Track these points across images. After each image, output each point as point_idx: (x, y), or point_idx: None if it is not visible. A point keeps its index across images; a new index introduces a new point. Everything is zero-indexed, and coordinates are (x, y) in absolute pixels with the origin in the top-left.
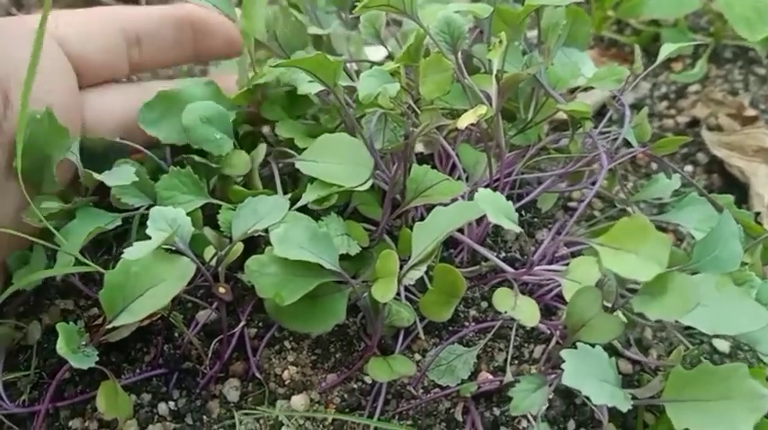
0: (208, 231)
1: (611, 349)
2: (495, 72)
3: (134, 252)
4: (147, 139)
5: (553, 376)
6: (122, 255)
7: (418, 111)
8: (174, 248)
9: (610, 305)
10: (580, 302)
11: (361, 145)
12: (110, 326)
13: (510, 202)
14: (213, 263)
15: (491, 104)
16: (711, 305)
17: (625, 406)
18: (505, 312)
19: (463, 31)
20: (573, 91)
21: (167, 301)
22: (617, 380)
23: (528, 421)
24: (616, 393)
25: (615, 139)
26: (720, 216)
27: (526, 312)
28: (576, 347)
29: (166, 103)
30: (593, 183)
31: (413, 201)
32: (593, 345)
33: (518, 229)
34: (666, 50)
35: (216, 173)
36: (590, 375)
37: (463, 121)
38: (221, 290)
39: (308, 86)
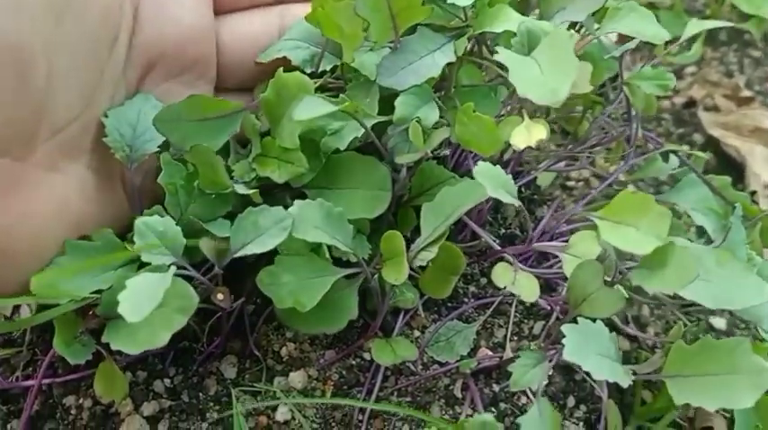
0: (204, 243)
1: (609, 326)
2: None
3: (134, 313)
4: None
5: (553, 352)
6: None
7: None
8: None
9: (609, 279)
10: (581, 276)
11: (377, 164)
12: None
13: (510, 177)
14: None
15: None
16: (713, 280)
17: (626, 381)
18: (504, 288)
19: None
20: None
21: (169, 337)
22: (618, 356)
23: (527, 397)
24: (617, 369)
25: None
26: (723, 209)
27: (526, 287)
28: (576, 322)
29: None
30: (592, 162)
31: (416, 200)
32: (593, 320)
33: (517, 203)
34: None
35: None
36: (590, 350)
37: (519, 143)
38: (220, 296)
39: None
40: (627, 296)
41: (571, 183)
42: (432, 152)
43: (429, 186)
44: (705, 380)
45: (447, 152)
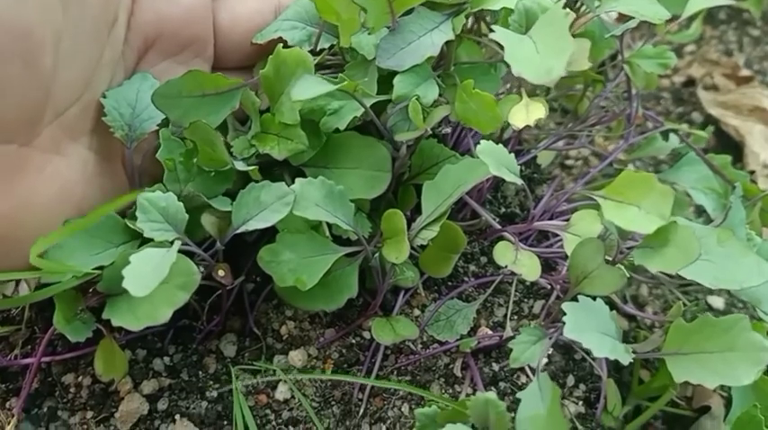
0: (206, 219)
1: (608, 305)
2: None
3: (139, 287)
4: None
5: (553, 330)
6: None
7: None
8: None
9: (611, 259)
10: (582, 254)
11: (376, 143)
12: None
13: (512, 155)
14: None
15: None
16: (714, 259)
17: (626, 359)
18: (506, 266)
19: None
20: None
21: (170, 314)
22: (618, 334)
23: (527, 376)
24: (617, 346)
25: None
26: (722, 187)
27: (527, 266)
28: (577, 301)
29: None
30: (591, 141)
31: (417, 178)
32: (594, 298)
33: (519, 182)
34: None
35: None
36: (591, 328)
37: (518, 122)
38: (221, 272)
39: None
40: (628, 275)
41: (570, 162)
42: (432, 130)
43: (429, 165)
44: (704, 358)
45: (447, 130)
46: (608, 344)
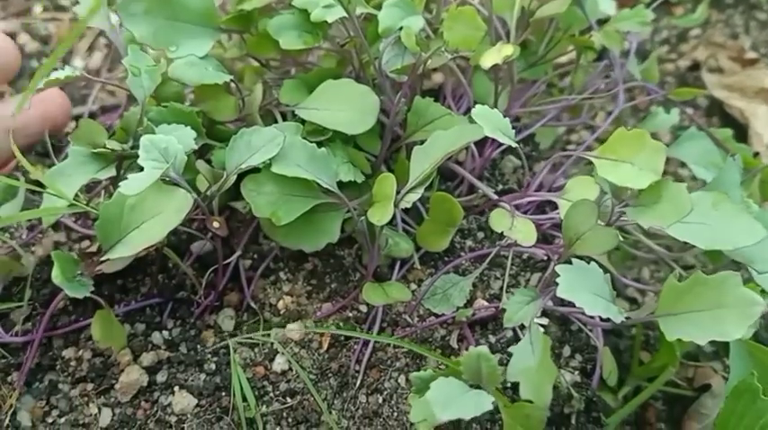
0: (200, 164)
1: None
2: (518, 4)
3: (130, 187)
4: None
5: (547, 293)
6: (118, 189)
7: (433, 37)
8: (168, 179)
9: (605, 222)
10: (575, 216)
11: (368, 91)
12: (105, 259)
13: (507, 119)
14: (208, 194)
15: (508, 35)
16: (708, 222)
17: (618, 318)
18: (502, 233)
19: None
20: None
21: (164, 234)
22: (611, 296)
23: (539, 330)
24: (610, 307)
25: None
26: (725, 162)
27: (523, 232)
28: (571, 263)
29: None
30: (593, 117)
31: (413, 135)
32: (588, 262)
33: (514, 144)
34: None
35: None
36: (584, 288)
37: (487, 61)
38: (215, 224)
39: (323, 12)
40: (621, 237)
41: (572, 147)
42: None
43: (424, 123)
44: (696, 316)
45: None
46: (601, 303)
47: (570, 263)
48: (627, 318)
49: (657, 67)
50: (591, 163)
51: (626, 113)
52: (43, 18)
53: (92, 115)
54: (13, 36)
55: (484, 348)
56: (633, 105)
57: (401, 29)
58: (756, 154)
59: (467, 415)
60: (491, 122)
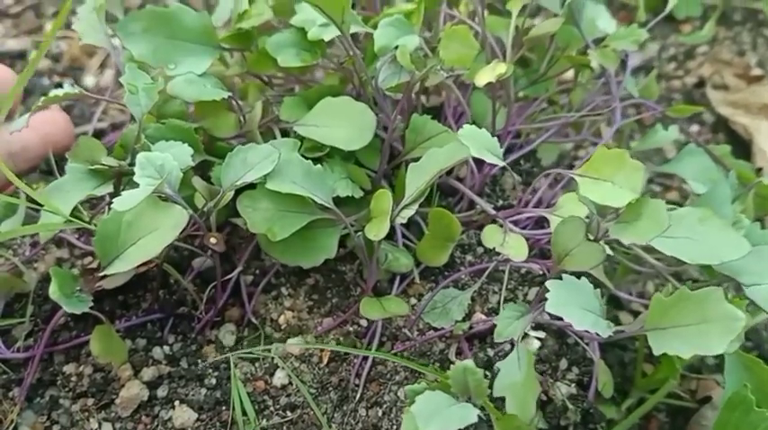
0: (197, 181)
1: (615, 301)
2: (512, 24)
3: (123, 202)
4: None
5: (538, 307)
6: (112, 205)
7: (431, 55)
8: (164, 196)
9: (593, 237)
10: (564, 232)
11: (365, 108)
12: (103, 274)
13: (495, 140)
14: (205, 210)
15: (504, 53)
16: (695, 236)
17: (606, 332)
18: (494, 249)
19: None
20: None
21: (160, 250)
22: (601, 311)
23: (526, 348)
24: (599, 321)
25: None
26: (716, 180)
27: (514, 247)
28: (561, 279)
29: (153, 18)
30: (595, 135)
31: (411, 152)
32: (578, 277)
33: (501, 163)
34: (671, 4)
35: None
36: (573, 303)
37: (481, 79)
38: (213, 240)
39: (320, 31)
40: (609, 252)
41: (579, 163)
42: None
43: (422, 140)
44: (681, 330)
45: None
46: (589, 318)
47: (560, 278)
48: (616, 331)
49: (657, 85)
50: None
51: (633, 128)
52: (55, 36)
53: (102, 132)
54: (24, 54)
55: (469, 362)
56: (640, 120)
57: (397, 47)
58: (759, 169)
59: (451, 427)
60: (478, 142)
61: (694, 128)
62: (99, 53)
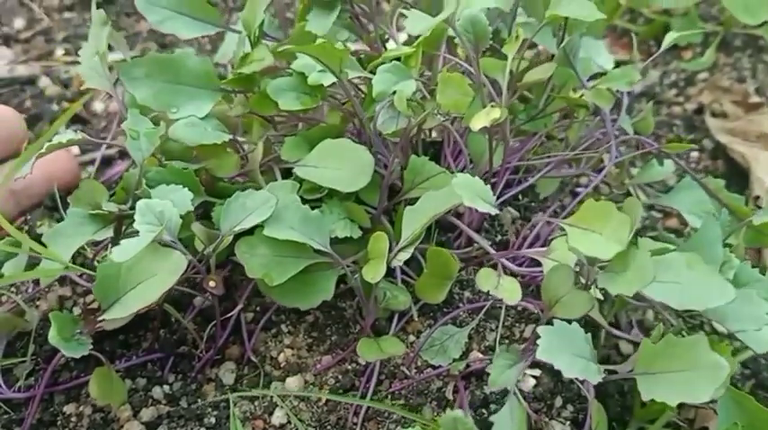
0: (196, 226)
1: (614, 328)
2: (508, 68)
3: (122, 253)
4: None
5: (530, 353)
6: (110, 255)
7: (429, 97)
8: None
9: (584, 283)
10: (554, 280)
11: (363, 150)
12: (102, 319)
13: (488, 187)
14: (205, 254)
15: (501, 95)
16: (682, 281)
17: (596, 379)
18: (488, 292)
19: (487, 32)
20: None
21: (159, 295)
22: (592, 355)
23: (518, 399)
24: (589, 367)
25: (616, 131)
26: (704, 219)
27: (508, 290)
28: (552, 324)
29: (155, 64)
30: (600, 170)
31: (410, 192)
32: (570, 322)
33: (494, 211)
34: (669, 39)
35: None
36: (564, 350)
37: (476, 124)
38: (211, 283)
39: (320, 76)
40: (601, 298)
41: (580, 190)
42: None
43: (420, 181)
44: (669, 377)
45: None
46: (579, 364)
47: (551, 323)
48: (614, 372)
49: (658, 113)
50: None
51: (635, 157)
52: (65, 61)
53: (110, 159)
54: (33, 80)
55: (459, 412)
56: (641, 147)
57: (395, 92)
58: (757, 197)
59: None
60: (471, 191)
61: (694, 154)
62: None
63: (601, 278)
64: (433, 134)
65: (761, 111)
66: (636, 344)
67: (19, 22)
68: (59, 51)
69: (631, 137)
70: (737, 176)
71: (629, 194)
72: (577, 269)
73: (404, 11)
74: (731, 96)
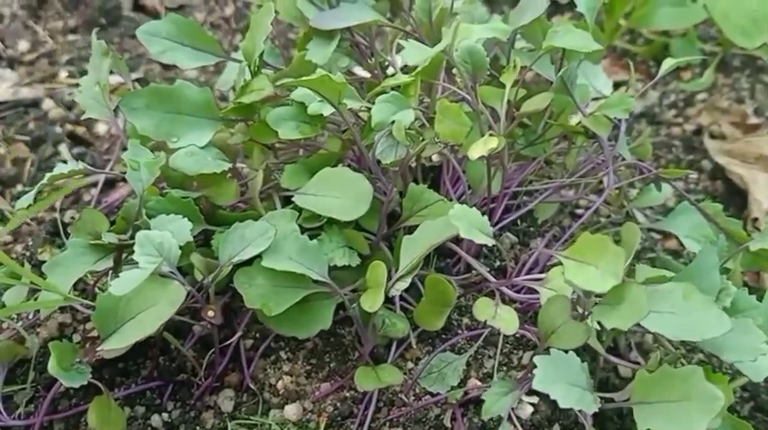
0: (195, 257)
1: (614, 352)
2: (506, 97)
3: (121, 286)
4: None
5: (526, 381)
6: (109, 288)
7: (428, 126)
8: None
9: (580, 313)
10: (550, 310)
11: (362, 179)
12: (100, 349)
13: (486, 217)
14: (204, 283)
15: (499, 122)
16: (678, 313)
17: (592, 409)
18: (485, 321)
19: (485, 63)
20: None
21: (157, 326)
22: (588, 385)
23: (514, 426)
24: (585, 397)
25: (615, 156)
26: (702, 247)
27: (506, 320)
28: (548, 353)
29: (155, 95)
30: (601, 191)
31: (408, 220)
32: (566, 351)
33: (491, 242)
34: (668, 64)
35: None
36: (560, 379)
37: (474, 153)
38: (210, 313)
39: (319, 106)
40: (597, 328)
41: (580, 211)
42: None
43: (419, 208)
44: (664, 407)
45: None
46: (575, 394)
47: (548, 353)
48: (611, 400)
49: (657, 135)
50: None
51: (634, 180)
52: (68, 84)
53: (113, 182)
54: (37, 102)
55: None
56: (640, 170)
57: (393, 122)
58: (756, 219)
59: None
60: (467, 222)
61: (693, 175)
62: (112, 100)
63: (596, 311)
64: (434, 158)
65: (759, 133)
66: (637, 364)
67: (23, 45)
68: (63, 74)
69: (629, 161)
70: (736, 197)
71: (628, 216)
72: (574, 297)
73: (402, 41)
74: (730, 117)
